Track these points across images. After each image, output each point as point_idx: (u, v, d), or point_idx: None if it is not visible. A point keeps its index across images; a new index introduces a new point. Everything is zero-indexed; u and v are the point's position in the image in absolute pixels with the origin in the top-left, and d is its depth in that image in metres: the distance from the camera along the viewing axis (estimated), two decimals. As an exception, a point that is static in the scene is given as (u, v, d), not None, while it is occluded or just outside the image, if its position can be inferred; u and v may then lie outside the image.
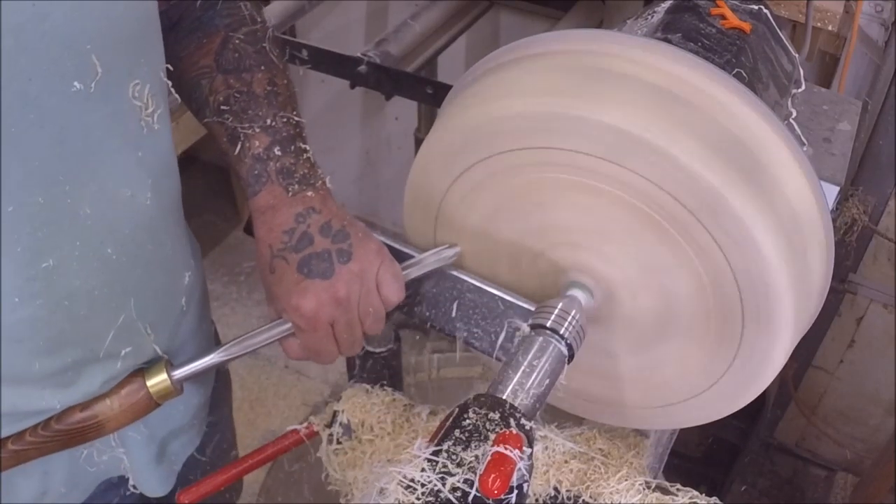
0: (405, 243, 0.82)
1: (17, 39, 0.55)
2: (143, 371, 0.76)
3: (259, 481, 1.27)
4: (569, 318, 0.73)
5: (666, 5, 0.88)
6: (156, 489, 0.89)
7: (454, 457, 0.61)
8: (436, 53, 1.68)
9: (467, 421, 0.63)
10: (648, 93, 0.69)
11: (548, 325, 0.73)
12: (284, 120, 0.75)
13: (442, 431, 0.64)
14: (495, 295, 0.79)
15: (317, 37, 2.23)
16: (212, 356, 0.75)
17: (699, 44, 0.80)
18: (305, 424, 0.91)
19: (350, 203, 2.58)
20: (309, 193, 0.73)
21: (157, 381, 0.75)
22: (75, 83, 0.60)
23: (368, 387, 0.94)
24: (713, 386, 0.76)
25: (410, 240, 0.85)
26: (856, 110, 1.02)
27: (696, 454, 2.05)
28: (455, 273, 0.81)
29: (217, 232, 2.65)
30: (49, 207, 0.63)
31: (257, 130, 0.74)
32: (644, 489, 0.79)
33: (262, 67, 0.77)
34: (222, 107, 0.75)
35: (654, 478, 0.86)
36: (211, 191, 2.62)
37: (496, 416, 0.64)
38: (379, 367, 0.94)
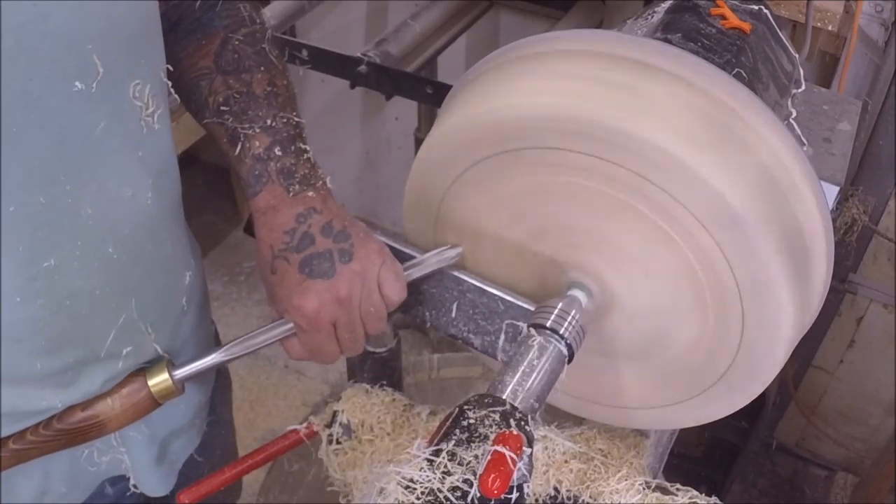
0: (406, 244, 0.82)
1: (19, 39, 0.55)
2: (144, 371, 0.76)
3: (259, 481, 1.27)
4: (569, 318, 0.73)
5: (666, 5, 0.88)
6: (157, 489, 0.89)
7: (454, 457, 0.61)
8: (436, 53, 1.68)
9: (467, 421, 0.63)
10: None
11: (548, 325, 0.73)
12: (284, 120, 0.75)
13: (442, 431, 0.64)
14: (495, 295, 0.79)
15: (317, 37, 2.23)
16: (213, 356, 0.75)
17: (699, 44, 0.80)
18: (305, 424, 0.91)
19: (350, 203, 2.58)
20: (310, 194, 0.73)
21: (159, 380, 0.75)
22: (76, 83, 0.60)
23: (368, 387, 0.94)
24: (713, 385, 0.76)
25: (410, 240, 0.85)
26: (856, 110, 1.02)
27: (696, 454, 2.05)
28: (455, 273, 0.81)
29: (217, 232, 2.65)
30: (50, 207, 0.63)
31: (257, 131, 0.74)
32: (644, 489, 0.79)
33: (262, 68, 0.77)
34: (222, 107, 0.75)
35: (654, 478, 0.86)
36: (211, 191, 2.62)
37: (496, 416, 0.64)
38: (379, 367, 0.94)
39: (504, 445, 0.60)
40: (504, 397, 0.67)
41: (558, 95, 0.69)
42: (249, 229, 0.81)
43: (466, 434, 0.62)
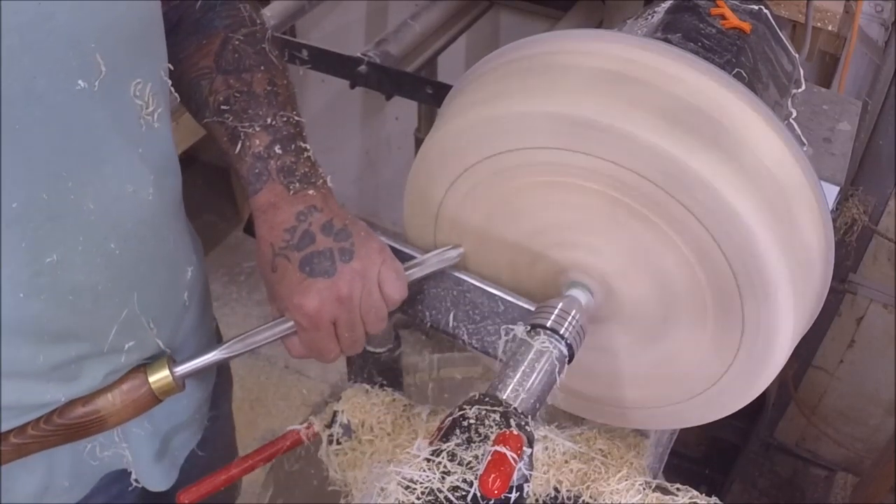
0: (407, 244, 0.82)
1: (23, 38, 0.56)
2: (145, 367, 0.76)
3: (259, 481, 1.27)
4: (569, 318, 0.73)
5: (666, 5, 0.88)
6: (158, 484, 0.90)
7: (454, 457, 0.61)
8: (436, 53, 1.68)
9: (467, 421, 0.63)
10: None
11: (548, 325, 0.73)
12: (285, 119, 0.75)
13: (442, 431, 0.64)
14: (495, 295, 0.79)
15: (317, 37, 2.23)
16: (214, 353, 0.75)
17: (699, 44, 0.80)
18: (305, 424, 0.91)
19: (350, 203, 2.58)
20: (310, 192, 0.73)
21: (159, 377, 0.75)
22: (79, 82, 0.61)
23: (368, 387, 0.94)
24: (714, 385, 0.76)
25: (410, 240, 0.85)
26: (856, 110, 1.02)
27: (696, 454, 2.05)
28: (455, 273, 0.81)
29: (217, 232, 2.65)
30: (53, 203, 0.63)
31: (258, 129, 0.74)
32: (644, 489, 0.79)
33: (262, 68, 0.77)
34: (222, 107, 0.75)
35: (654, 478, 0.86)
36: (211, 191, 2.62)
37: (496, 416, 0.64)
38: (379, 367, 0.94)
39: (504, 445, 0.60)
40: (504, 397, 0.67)
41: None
42: (249, 229, 0.81)
43: (466, 434, 0.62)
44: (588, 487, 0.81)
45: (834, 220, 1.10)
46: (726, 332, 0.72)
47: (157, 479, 0.89)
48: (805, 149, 0.82)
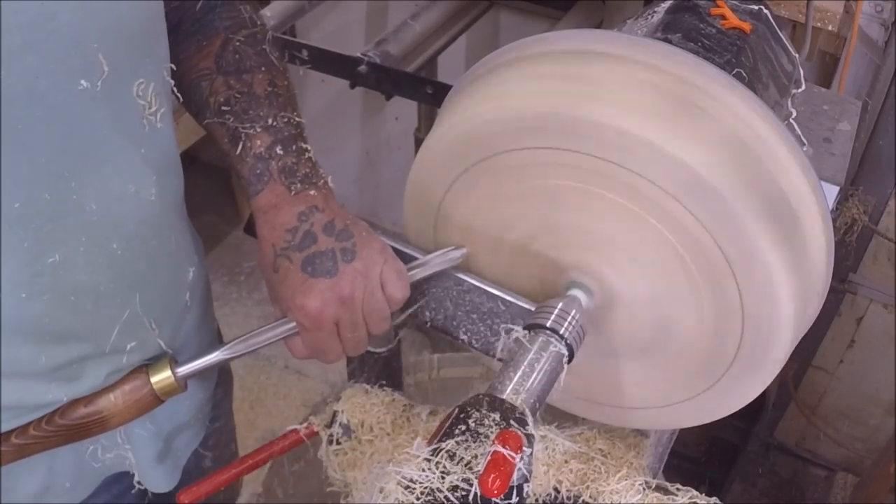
0: (409, 245, 0.82)
1: (25, 38, 0.56)
2: (147, 367, 0.76)
3: (259, 481, 1.27)
4: (569, 318, 0.73)
5: (666, 5, 0.88)
6: (161, 485, 0.90)
7: (454, 456, 0.61)
8: (436, 53, 1.68)
9: (467, 421, 0.63)
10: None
11: (548, 325, 0.73)
12: (285, 120, 0.75)
13: (442, 431, 0.64)
14: (496, 295, 0.79)
15: (317, 37, 2.23)
16: (216, 354, 0.75)
17: (699, 44, 0.80)
18: (305, 424, 0.91)
19: (350, 203, 2.58)
20: (311, 192, 0.73)
21: (162, 377, 0.75)
22: (82, 81, 0.61)
23: (368, 387, 0.94)
24: (713, 386, 0.76)
25: (410, 240, 0.85)
26: (856, 110, 1.02)
27: (696, 454, 2.05)
28: (456, 273, 0.81)
29: (217, 232, 2.65)
30: (55, 203, 0.63)
31: (258, 130, 0.74)
32: (644, 489, 0.79)
33: (263, 69, 0.77)
34: (223, 107, 0.75)
35: (654, 478, 0.86)
36: (211, 191, 2.62)
37: (496, 416, 0.64)
38: (379, 367, 0.94)
39: (504, 445, 0.60)
40: (504, 397, 0.67)
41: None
42: (249, 229, 0.81)
43: (466, 434, 0.62)
44: (588, 487, 0.81)
45: (834, 220, 1.10)
46: (726, 314, 0.72)
47: (159, 481, 0.89)
48: (805, 149, 0.82)
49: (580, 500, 0.80)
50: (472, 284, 0.80)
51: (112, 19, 0.62)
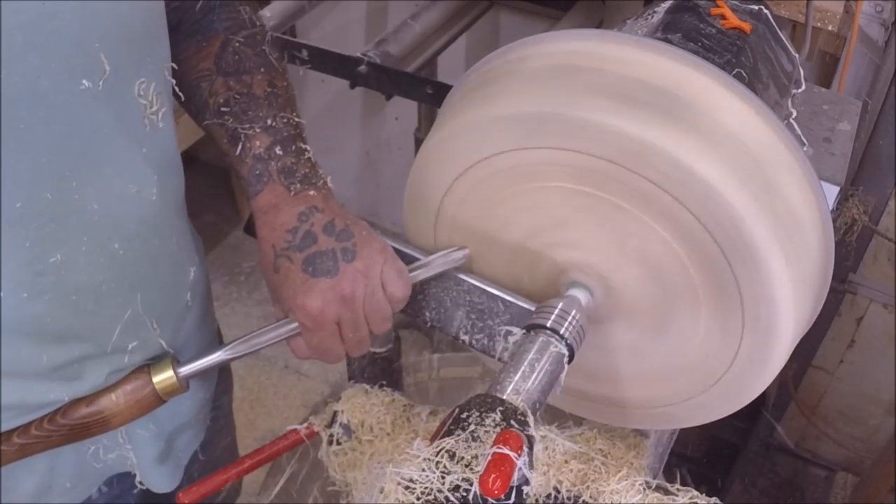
0: (411, 246, 0.82)
1: (27, 37, 0.56)
2: (148, 367, 0.76)
3: (259, 481, 1.27)
4: (569, 318, 0.73)
5: (666, 5, 0.88)
6: (163, 485, 0.90)
7: (454, 457, 0.61)
8: (436, 53, 1.68)
9: (467, 421, 0.63)
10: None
11: (548, 325, 0.73)
12: (285, 120, 0.75)
13: (442, 431, 0.64)
14: (496, 295, 0.79)
15: (317, 37, 2.23)
16: (218, 354, 0.75)
17: (699, 44, 0.80)
18: (305, 424, 0.91)
19: (350, 203, 2.58)
20: (311, 192, 0.73)
21: (164, 377, 0.75)
22: (83, 81, 0.61)
23: (368, 387, 0.94)
24: (714, 385, 0.76)
25: (410, 240, 0.85)
26: (856, 110, 1.02)
27: (696, 454, 2.05)
28: (456, 273, 0.81)
29: (217, 232, 2.65)
30: (57, 203, 0.63)
31: (258, 131, 0.74)
32: (644, 489, 0.79)
33: (262, 69, 0.77)
34: (222, 108, 0.75)
35: (654, 478, 0.86)
36: (211, 191, 2.62)
37: (496, 416, 0.64)
38: (379, 367, 0.94)
39: (504, 445, 0.60)
40: (504, 397, 0.67)
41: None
42: (249, 229, 0.81)
43: (467, 434, 0.62)
44: (588, 487, 0.81)
45: (834, 220, 1.10)
46: (726, 314, 0.72)
47: (161, 481, 0.89)
48: (805, 149, 0.82)
49: (580, 500, 0.80)
50: (472, 284, 0.80)
51: (113, 19, 0.62)
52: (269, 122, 0.75)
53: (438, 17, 1.68)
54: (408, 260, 0.78)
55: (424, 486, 0.60)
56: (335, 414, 0.92)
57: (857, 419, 2.02)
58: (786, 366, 0.75)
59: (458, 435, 0.62)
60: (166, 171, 0.74)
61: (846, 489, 2.08)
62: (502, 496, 0.59)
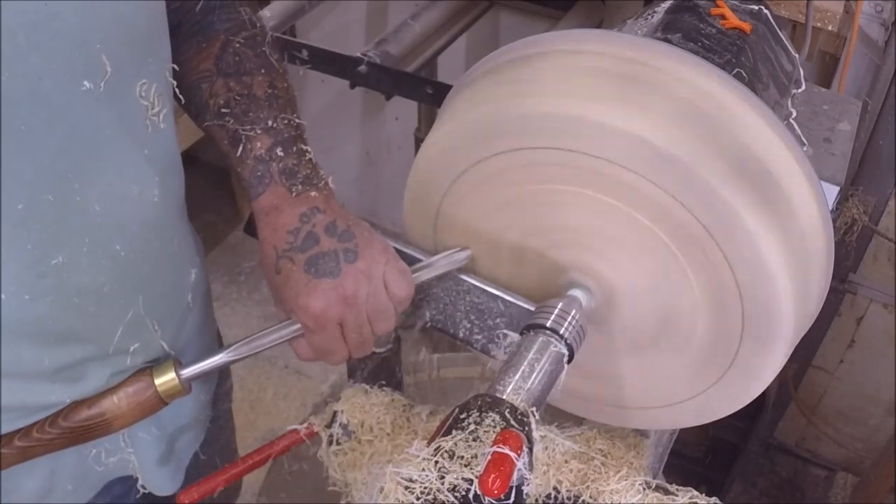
0: (413, 246, 0.82)
1: (29, 38, 0.56)
2: (150, 369, 0.76)
3: (259, 481, 1.27)
4: (569, 319, 0.74)
5: (666, 5, 0.88)
6: (165, 488, 0.90)
7: (454, 456, 0.61)
8: (436, 53, 1.68)
9: (467, 421, 0.63)
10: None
11: (548, 325, 0.73)
12: (285, 122, 0.75)
13: (442, 431, 0.64)
14: (496, 295, 0.79)
15: (317, 37, 2.23)
16: (220, 355, 0.75)
17: (699, 44, 0.80)
18: (305, 424, 0.91)
19: (350, 203, 2.58)
20: (312, 193, 0.73)
21: (166, 379, 0.75)
22: (85, 82, 0.61)
23: (367, 387, 0.94)
24: (714, 385, 0.76)
25: (410, 240, 0.85)
26: (856, 110, 1.02)
27: (696, 454, 2.05)
28: (456, 273, 0.81)
29: (217, 232, 2.65)
30: (59, 205, 0.63)
31: (259, 132, 0.74)
32: (644, 489, 0.79)
33: (263, 71, 0.77)
34: (223, 110, 0.75)
35: (654, 478, 0.86)
36: (211, 191, 2.62)
37: (496, 416, 0.64)
38: (379, 368, 0.94)
39: (504, 445, 0.60)
40: (504, 397, 0.67)
41: (550, 96, 0.70)
42: (249, 229, 0.81)
43: (466, 434, 0.62)
44: (588, 487, 0.80)
45: (834, 220, 1.10)
46: (727, 313, 0.72)
47: (163, 484, 0.89)
48: (805, 149, 0.82)
49: (580, 500, 0.80)
50: (472, 284, 0.80)
51: (115, 19, 0.62)
52: (269, 123, 0.75)
53: (438, 17, 1.68)
54: (410, 260, 0.78)
55: (424, 485, 0.60)
56: (335, 414, 0.92)
57: (857, 419, 2.02)
58: (786, 366, 0.75)
59: (458, 435, 0.62)
60: (168, 173, 0.74)
61: (846, 489, 2.08)
62: (502, 496, 0.59)
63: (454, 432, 0.63)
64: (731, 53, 0.81)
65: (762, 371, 0.73)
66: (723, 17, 0.85)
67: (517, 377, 0.69)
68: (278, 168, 0.74)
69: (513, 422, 0.63)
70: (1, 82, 0.56)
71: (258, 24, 0.81)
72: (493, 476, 0.58)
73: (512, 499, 0.60)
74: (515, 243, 0.79)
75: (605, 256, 0.75)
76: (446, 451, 0.61)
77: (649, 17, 0.87)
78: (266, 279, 0.76)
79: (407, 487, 0.60)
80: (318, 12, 2.07)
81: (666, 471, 0.95)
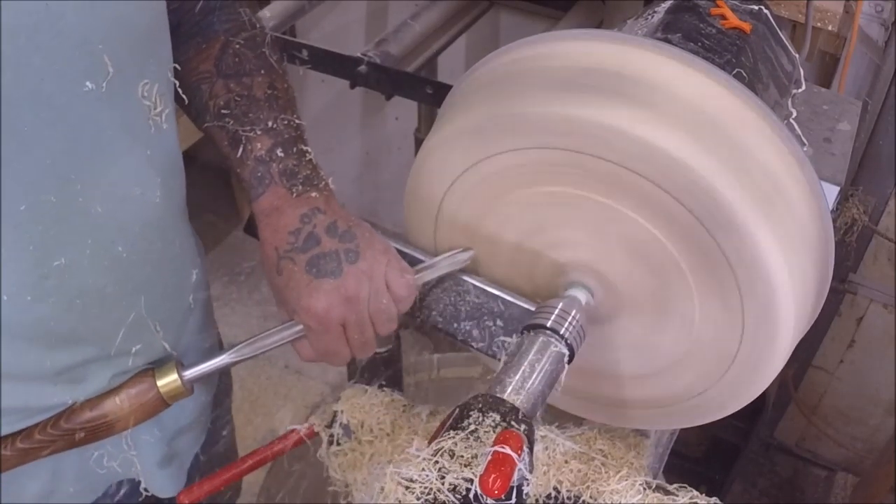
0: (414, 247, 0.82)
1: (31, 39, 0.56)
2: (152, 371, 0.76)
3: (259, 481, 1.27)
4: (569, 318, 0.74)
5: (666, 5, 0.88)
6: (167, 489, 0.90)
7: (454, 456, 0.61)
8: (436, 53, 1.68)
9: (467, 421, 0.63)
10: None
11: (548, 325, 0.73)
12: (285, 122, 0.75)
13: (442, 431, 0.64)
14: (496, 295, 0.79)
15: (317, 37, 2.23)
16: (223, 357, 0.75)
17: (699, 44, 0.80)
18: (305, 424, 0.91)
19: (350, 203, 2.58)
20: (313, 194, 0.73)
21: (168, 381, 0.75)
22: (87, 83, 0.61)
23: (367, 387, 0.94)
24: (714, 385, 0.76)
25: (410, 240, 0.85)
26: (856, 110, 1.02)
27: (696, 454, 2.05)
28: (457, 273, 0.81)
29: (217, 232, 2.65)
30: (61, 206, 0.63)
31: (259, 133, 0.74)
32: (644, 489, 0.79)
33: (262, 72, 0.77)
34: (223, 111, 0.75)
35: (654, 478, 0.86)
36: (211, 191, 2.62)
37: (496, 416, 0.64)
38: (379, 368, 0.94)
39: (504, 445, 0.60)
40: (504, 397, 0.67)
41: (546, 95, 0.70)
42: (249, 229, 0.81)
43: (467, 434, 0.62)
44: (588, 487, 0.81)
45: (834, 220, 1.10)
46: (726, 309, 0.71)
47: (165, 485, 0.89)
48: (805, 149, 0.82)
49: (580, 501, 0.80)
50: (472, 284, 0.80)
51: (116, 20, 0.62)
52: (269, 124, 0.75)
53: (438, 17, 1.68)
54: (411, 261, 0.78)
55: (424, 485, 0.60)
56: (335, 414, 0.92)
57: (857, 419, 2.02)
58: (786, 366, 0.75)
59: (458, 435, 0.62)
60: (169, 173, 0.74)
61: (846, 489, 2.08)
62: (502, 496, 0.59)
63: (454, 432, 0.63)
64: (731, 53, 0.81)
65: (768, 360, 0.72)
66: (723, 17, 0.85)
67: (517, 377, 0.69)
68: (279, 169, 0.74)
69: (513, 422, 0.63)
70: (2, 83, 0.56)
71: (257, 25, 0.81)
72: (493, 476, 0.58)
73: (512, 499, 0.60)
74: (515, 243, 0.79)
75: (603, 255, 0.75)
76: (446, 451, 0.61)
77: (649, 17, 0.87)
78: (267, 280, 0.75)
79: (407, 487, 0.60)
80: (318, 12, 2.07)
81: (666, 471, 0.95)
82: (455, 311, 0.82)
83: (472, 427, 0.63)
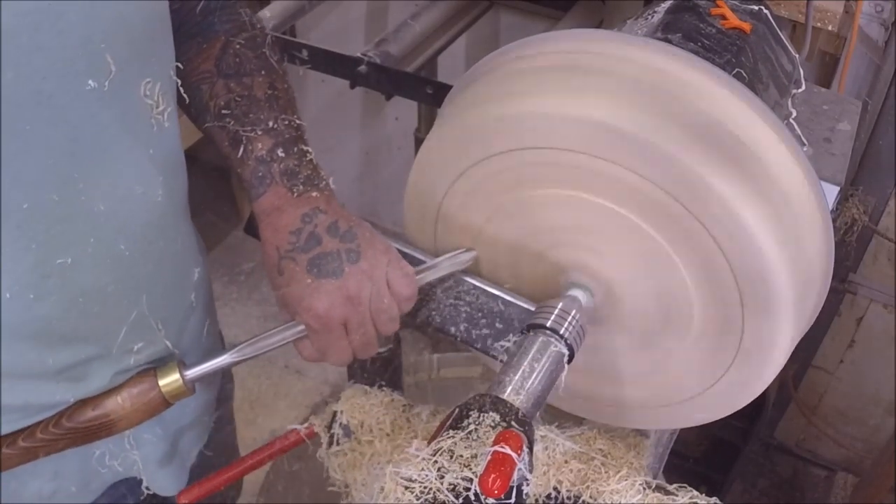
0: (415, 247, 0.82)
1: (33, 38, 0.56)
2: (154, 370, 0.76)
3: (259, 481, 1.27)
4: (569, 318, 0.74)
5: (666, 5, 0.88)
6: (169, 489, 0.90)
7: (454, 456, 0.61)
8: (436, 53, 1.68)
9: (467, 421, 0.63)
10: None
11: (548, 325, 0.73)
12: (286, 123, 0.75)
13: (442, 431, 0.64)
14: (496, 295, 0.79)
15: (317, 37, 2.23)
16: (224, 356, 0.75)
17: (699, 44, 0.80)
18: (305, 424, 0.91)
19: (350, 203, 2.57)
20: (314, 194, 0.73)
21: (170, 380, 0.75)
22: (89, 82, 0.61)
23: (367, 387, 0.94)
24: (714, 385, 0.76)
25: (411, 240, 0.85)
26: (856, 110, 1.02)
27: (696, 454, 2.05)
28: (456, 273, 0.81)
29: (217, 232, 2.65)
30: (63, 205, 0.63)
31: (259, 133, 0.74)
32: (644, 489, 0.79)
33: (263, 72, 0.77)
34: (223, 111, 0.75)
35: (654, 478, 0.86)
36: (211, 191, 2.62)
37: (496, 416, 0.64)
38: (379, 368, 0.94)
39: (504, 445, 0.60)
40: (504, 397, 0.67)
41: (542, 95, 0.71)
42: (250, 229, 0.81)
43: (466, 434, 0.62)
44: (588, 487, 0.80)
45: (834, 220, 1.10)
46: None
47: (167, 484, 0.89)
48: (805, 149, 0.82)
49: (580, 501, 0.80)
50: (472, 284, 0.80)
51: (118, 18, 0.62)
52: (270, 124, 0.75)
53: (438, 17, 1.68)
54: (412, 261, 0.78)
55: (424, 485, 0.60)
56: (335, 414, 0.92)
57: (857, 419, 2.03)
58: (786, 366, 0.75)
59: (458, 435, 0.62)
60: (171, 172, 0.74)
61: (846, 489, 2.08)
62: (502, 496, 0.59)
63: (454, 432, 0.63)
64: (731, 53, 0.81)
65: (767, 360, 0.72)
66: (723, 17, 0.85)
67: (517, 377, 0.69)
68: (279, 169, 0.74)
69: (513, 422, 0.63)
70: (4, 82, 0.56)
71: (258, 25, 0.81)
72: (493, 476, 0.58)
73: (512, 499, 0.60)
74: (515, 243, 0.79)
75: (601, 254, 0.75)
76: (446, 451, 0.61)
77: (649, 17, 0.87)
78: (269, 280, 0.75)
79: (407, 487, 0.60)
80: (318, 12, 2.07)
81: (666, 471, 0.95)
82: (455, 310, 0.82)
83: (472, 427, 0.63)
